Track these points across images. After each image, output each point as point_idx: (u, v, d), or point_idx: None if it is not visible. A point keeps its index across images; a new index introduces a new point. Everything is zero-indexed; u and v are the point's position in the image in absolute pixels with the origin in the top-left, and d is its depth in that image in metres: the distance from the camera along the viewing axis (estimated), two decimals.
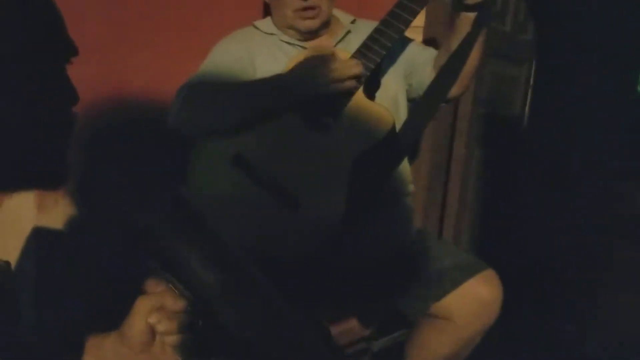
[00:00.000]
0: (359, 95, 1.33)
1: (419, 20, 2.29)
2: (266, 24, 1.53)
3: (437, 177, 2.22)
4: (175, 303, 0.74)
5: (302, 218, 1.26)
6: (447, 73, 1.38)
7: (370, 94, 1.40)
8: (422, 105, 1.44)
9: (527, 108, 2.80)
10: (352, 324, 1.54)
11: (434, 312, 1.44)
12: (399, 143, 1.34)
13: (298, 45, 1.48)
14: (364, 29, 1.52)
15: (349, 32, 1.53)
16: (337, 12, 1.55)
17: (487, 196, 2.48)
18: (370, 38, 1.35)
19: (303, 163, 1.31)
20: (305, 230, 1.27)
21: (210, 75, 1.37)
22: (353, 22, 1.57)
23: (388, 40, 1.33)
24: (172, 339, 0.75)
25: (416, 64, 1.52)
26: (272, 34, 1.50)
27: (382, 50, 1.33)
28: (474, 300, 1.42)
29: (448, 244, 1.53)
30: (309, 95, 1.30)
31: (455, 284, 1.42)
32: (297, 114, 1.33)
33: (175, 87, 1.39)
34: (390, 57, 1.49)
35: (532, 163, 2.86)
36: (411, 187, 1.54)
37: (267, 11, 1.59)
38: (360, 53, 1.33)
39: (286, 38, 1.49)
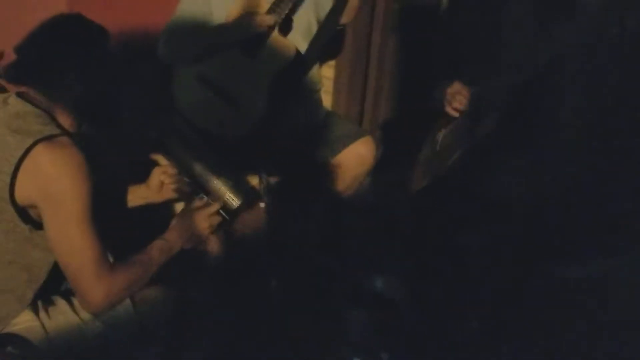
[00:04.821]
0: (274, 34, 2.15)
1: None
2: None
3: (357, 63, 2.96)
4: (172, 169, 1.74)
5: (240, 111, 2.16)
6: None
7: (285, 31, 2.20)
8: (322, 30, 2.25)
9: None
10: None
11: (330, 163, 2.36)
12: (303, 62, 2.18)
13: None
14: None
15: None
16: None
17: (402, 81, 3.18)
18: None
19: (241, 77, 2.16)
20: (243, 118, 2.17)
21: (183, 21, 2.17)
22: None
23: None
24: (172, 187, 1.74)
25: (319, 2, 2.27)
26: None
27: (289, 4, 2.12)
28: (357, 155, 2.33)
29: (343, 119, 2.42)
30: (248, 34, 2.12)
31: (345, 145, 2.33)
32: (236, 48, 2.16)
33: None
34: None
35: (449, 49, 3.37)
36: (319, 86, 2.39)
37: None
38: (273, 8, 2.12)
39: None
